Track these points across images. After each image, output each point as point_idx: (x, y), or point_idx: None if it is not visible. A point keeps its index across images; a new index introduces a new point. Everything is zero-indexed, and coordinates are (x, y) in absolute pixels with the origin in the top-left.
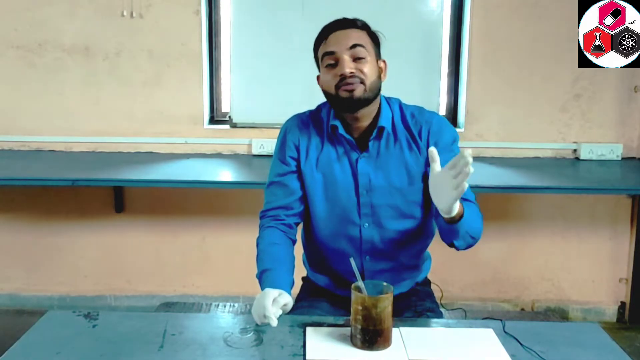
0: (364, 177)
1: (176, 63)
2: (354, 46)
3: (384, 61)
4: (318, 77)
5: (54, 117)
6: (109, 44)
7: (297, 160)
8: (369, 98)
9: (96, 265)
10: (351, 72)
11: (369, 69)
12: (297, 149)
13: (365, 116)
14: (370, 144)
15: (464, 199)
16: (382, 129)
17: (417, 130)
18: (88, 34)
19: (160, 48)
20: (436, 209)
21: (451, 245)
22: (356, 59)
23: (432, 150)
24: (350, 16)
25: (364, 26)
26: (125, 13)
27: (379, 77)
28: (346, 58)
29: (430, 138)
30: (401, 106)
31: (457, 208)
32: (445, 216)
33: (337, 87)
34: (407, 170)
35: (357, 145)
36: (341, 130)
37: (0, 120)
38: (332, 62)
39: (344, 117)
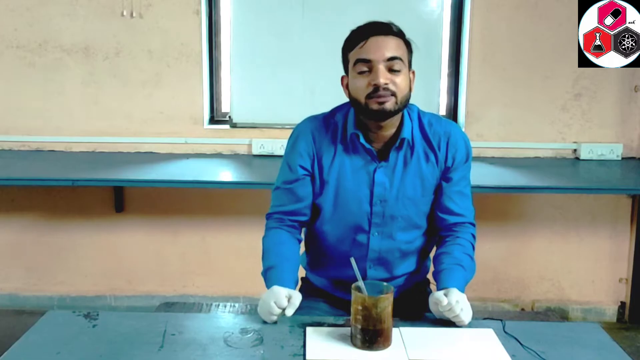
0: (379, 187)
1: (176, 63)
2: (392, 58)
3: (413, 72)
4: (342, 78)
5: (54, 117)
6: (109, 44)
7: (309, 168)
8: (399, 110)
9: (96, 265)
10: (385, 84)
11: (402, 82)
12: (310, 157)
13: (390, 126)
14: (391, 154)
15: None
16: (403, 140)
17: (435, 140)
18: (88, 34)
19: (160, 48)
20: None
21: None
22: (391, 71)
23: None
24: (351, 18)
25: (400, 33)
26: (125, 13)
27: (410, 90)
28: (382, 69)
29: (449, 151)
30: (419, 114)
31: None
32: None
33: (368, 97)
34: (422, 181)
35: (376, 155)
36: (362, 140)
37: (0, 120)
38: (365, 69)
39: (366, 125)
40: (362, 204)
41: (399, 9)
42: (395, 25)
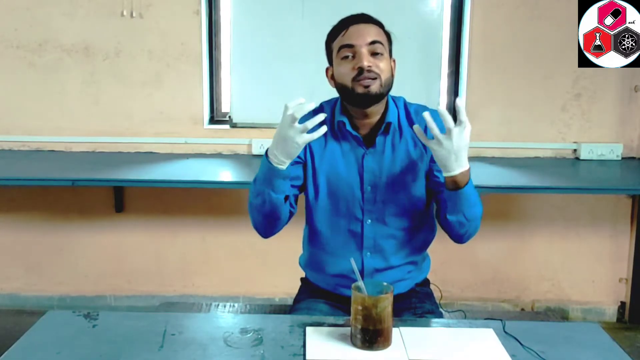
0: (369, 173)
1: (176, 63)
2: (373, 42)
3: (393, 60)
4: (327, 70)
5: (54, 117)
6: (109, 44)
7: (302, 156)
8: (383, 94)
9: (96, 265)
10: (369, 66)
11: (385, 65)
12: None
13: (374, 112)
14: (377, 139)
15: None
16: (389, 124)
17: (422, 127)
18: (88, 34)
19: (160, 48)
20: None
21: (444, 221)
22: (373, 54)
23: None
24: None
25: (379, 23)
26: (125, 13)
27: (392, 75)
28: (365, 52)
29: None
30: (405, 104)
31: (462, 168)
32: (453, 173)
33: (354, 80)
34: (412, 166)
35: (363, 141)
36: (348, 127)
37: (0, 120)
38: (349, 54)
39: (351, 113)
40: (354, 190)
41: (399, 9)
42: (374, 18)
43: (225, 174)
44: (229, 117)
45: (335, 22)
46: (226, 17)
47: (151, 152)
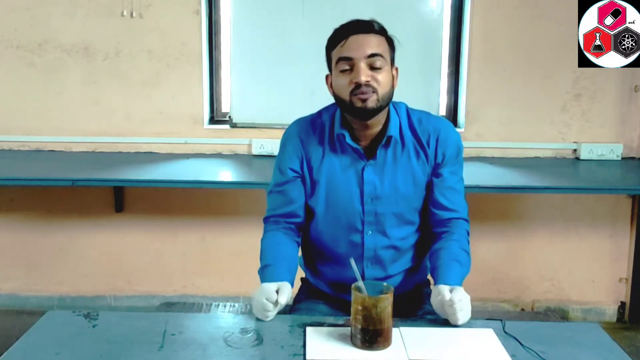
0: (369, 186)
1: (176, 63)
2: (372, 55)
3: (396, 68)
4: (327, 77)
5: (54, 117)
6: (109, 44)
7: (298, 170)
8: (382, 107)
9: (96, 265)
10: (367, 81)
11: (383, 78)
12: (298, 159)
13: (375, 123)
14: (378, 151)
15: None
16: (390, 137)
17: (425, 137)
18: (88, 34)
19: (160, 48)
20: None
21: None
22: (372, 67)
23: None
24: (351, 17)
25: (381, 30)
26: (125, 13)
27: (392, 86)
28: (363, 66)
29: (439, 147)
30: (408, 111)
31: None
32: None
33: (352, 94)
34: (413, 178)
35: (364, 153)
36: (348, 140)
37: (0, 120)
38: (347, 67)
39: (351, 124)
40: (354, 203)
41: (399, 9)
42: (377, 23)
43: (225, 174)
44: (229, 117)
45: (335, 23)
46: (226, 17)
47: (151, 152)
